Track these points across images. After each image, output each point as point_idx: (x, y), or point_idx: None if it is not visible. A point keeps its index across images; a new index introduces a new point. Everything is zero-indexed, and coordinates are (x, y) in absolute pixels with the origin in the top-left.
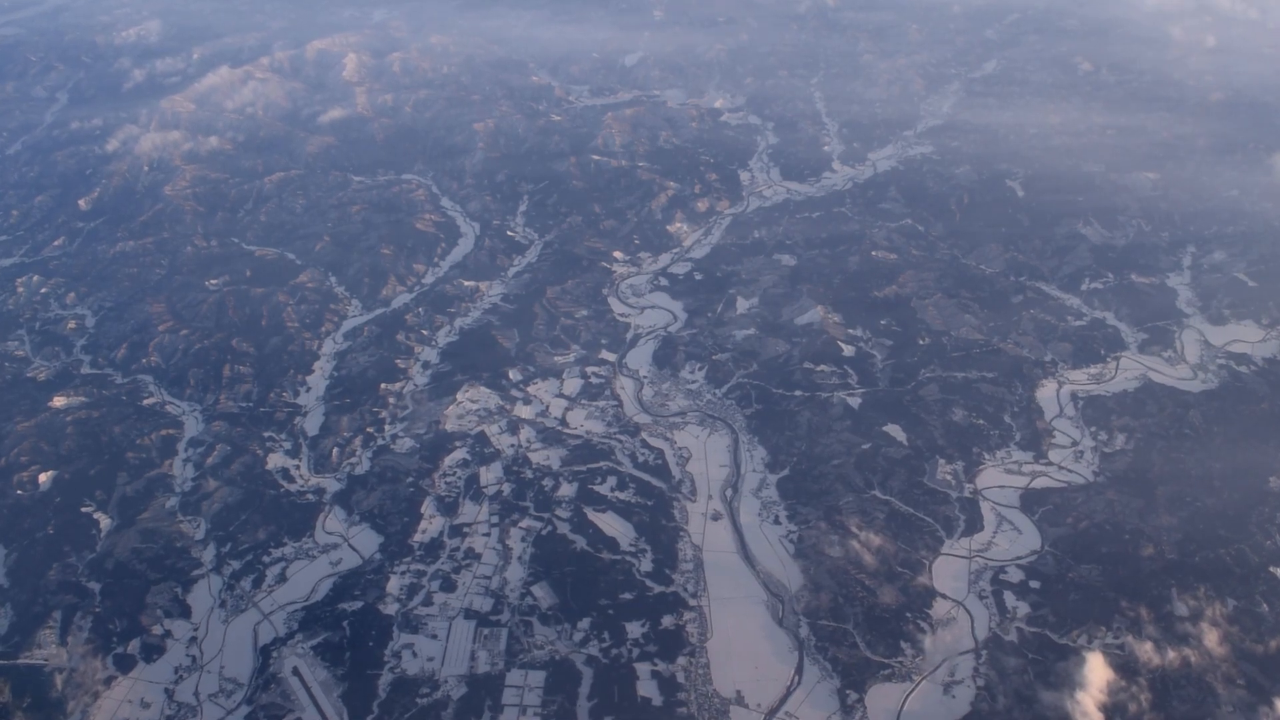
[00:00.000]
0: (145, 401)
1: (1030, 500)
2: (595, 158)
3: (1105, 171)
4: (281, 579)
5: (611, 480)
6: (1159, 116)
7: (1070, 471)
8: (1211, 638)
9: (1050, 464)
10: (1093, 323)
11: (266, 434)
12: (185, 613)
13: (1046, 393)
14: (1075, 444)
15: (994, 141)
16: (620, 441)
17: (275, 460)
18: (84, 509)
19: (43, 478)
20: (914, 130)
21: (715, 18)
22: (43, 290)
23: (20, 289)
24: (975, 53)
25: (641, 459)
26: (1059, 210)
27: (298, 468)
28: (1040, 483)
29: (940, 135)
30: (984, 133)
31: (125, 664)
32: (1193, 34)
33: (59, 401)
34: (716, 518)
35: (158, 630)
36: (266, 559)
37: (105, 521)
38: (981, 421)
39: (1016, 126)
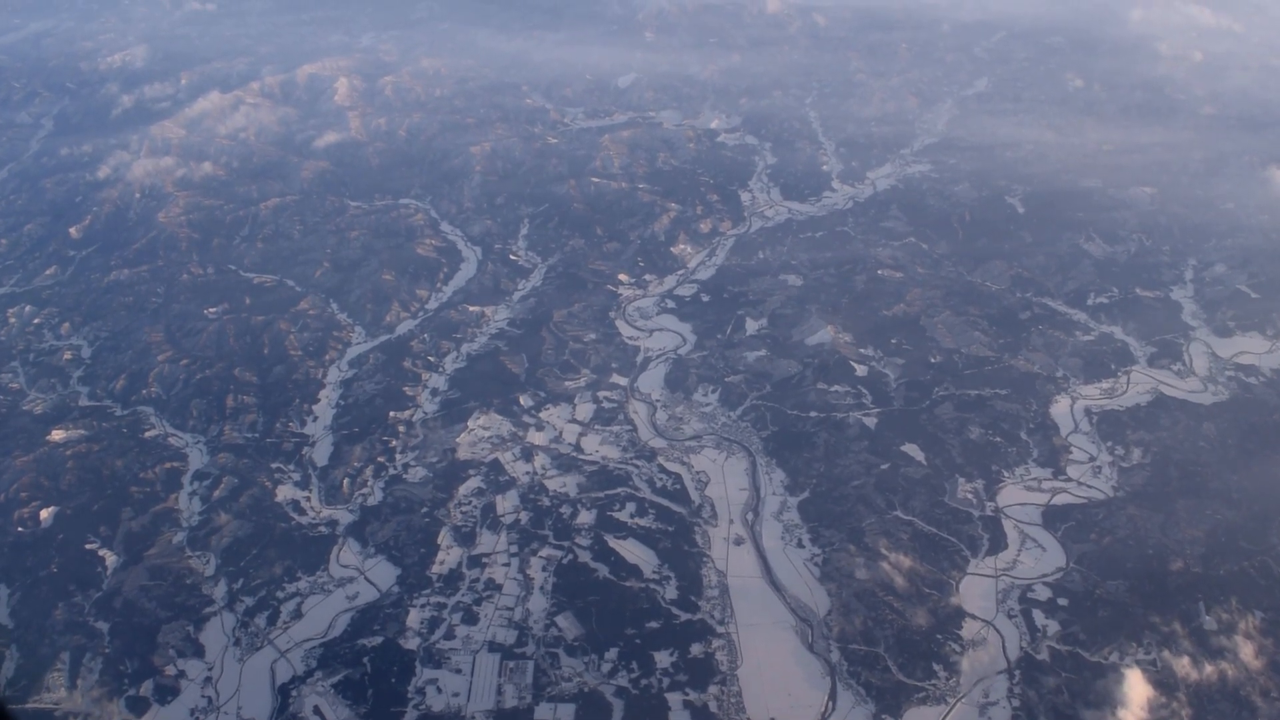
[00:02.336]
0: (147, 434)
1: (1052, 517)
2: (594, 180)
3: (1103, 187)
4: (297, 615)
5: (631, 506)
6: (1152, 131)
7: (1090, 487)
8: (1247, 651)
9: (1069, 480)
10: (1101, 337)
11: (274, 465)
12: (199, 652)
13: (1060, 408)
14: (1093, 459)
15: (991, 158)
16: (637, 466)
17: (285, 492)
18: (88, 546)
19: (44, 514)
20: (911, 148)
21: (706, 39)
22: (36, 320)
23: (12, 319)
24: (966, 70)
25: (660, 484)
26: (1060, 226)
27: (308, 499)
28: (1061, 499)
29: (937, 153)
30: (980, 150)
31: (139, 707)
32: (1179, 49)
33: (58, 435)
34: (739, 542)
35: (171, 671)
36: (281, 594)
37: (111, 558)
38: (998, 439)
39: (1012, 143)
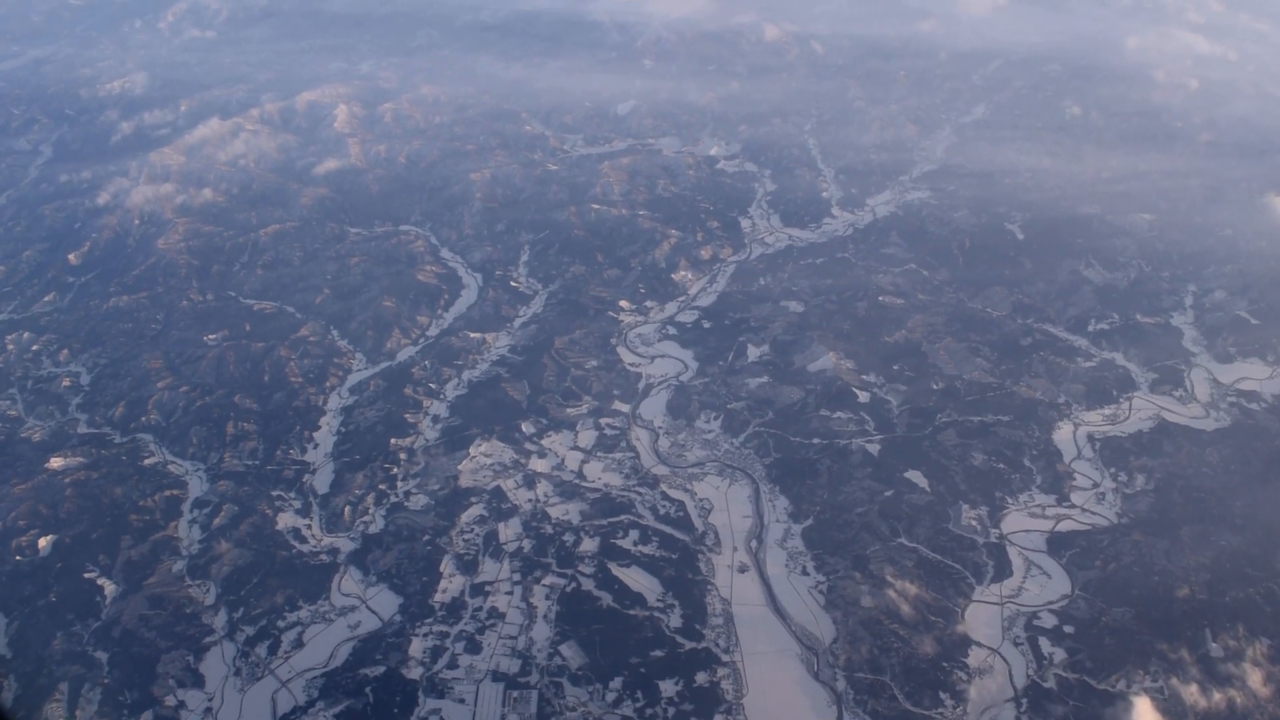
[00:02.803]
0: (146, 461)
1: (1057, 544)
2: (595, 206)
3: (1102, 213)
4: (298, 644)
5: (634, 534)
6: (1150, 158)
7: (1094, 514)
8: (1255, 678)
9: (1073, 507)
10: (1102, 364)
11: (275, 493)
12: (199, 682)
13: (1063, 435)
14: (1096, 486)
15: (990, 185)
16: (640, 494)
17: (285, 520)
18: (87, 574)
19: (42, 542)
20: (910, 175)
21: (705, 66)
22: (34, 347)
23: (10, 346)
24: (964, 98)
25: (663, 511)
26: (1060, 252)
27: (309, 527)
28: (1065, 526)
29: (936, 180)
30: (979, 177)
31: None
32: (1176, 77)
33: (56, 462)
34: (743, 570)
35: (171, 701)
36: (281, 623)
37: (110, 587)
38: (1002, 465)
39: (1011, 170)
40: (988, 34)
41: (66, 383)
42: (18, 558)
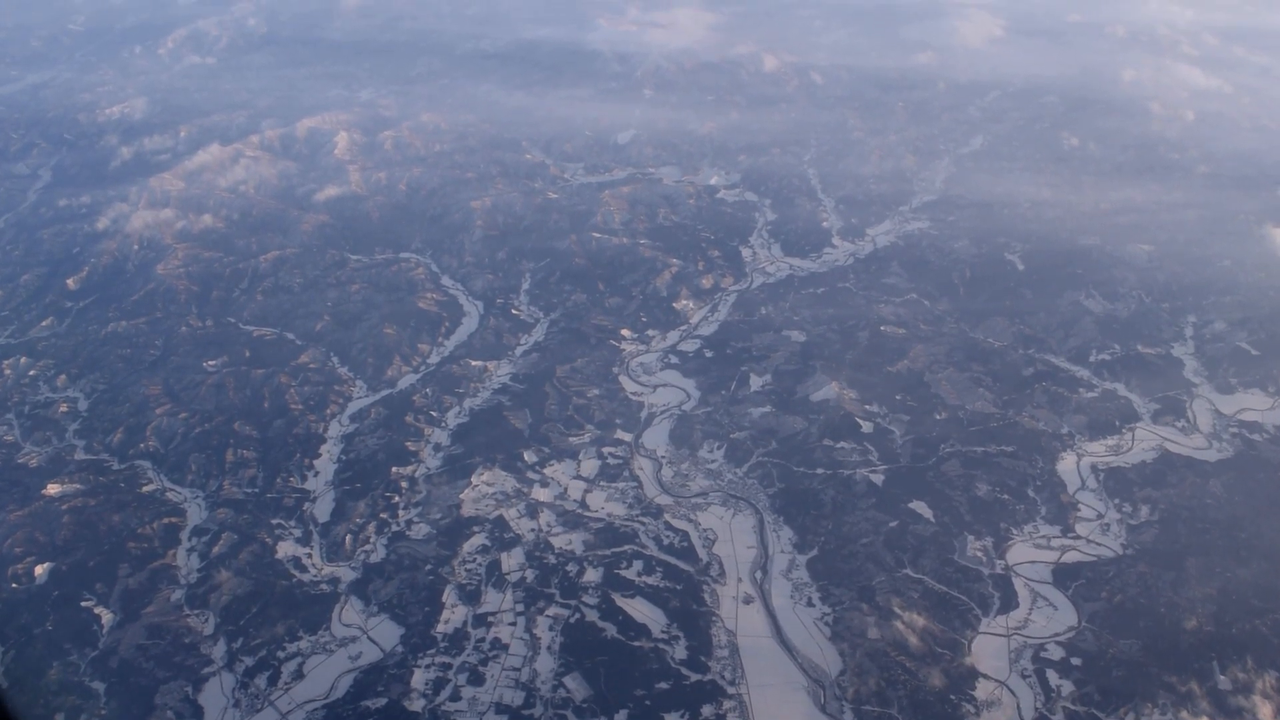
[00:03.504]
0: (144, 488)
1: (1062, 575)
2: (596, 235)
3: (1101, 244)
4: (298, 675)
5: (638, 564)
6: (1148, 189)
7: (1099, 545)
8: (1265, 711)
9: (1078, 538)
10: (1104, 394)
11: (275, 521)
12: (197, 714)
13: (1067, 465)
14: (1100, 516)
15: (989, 216)
16: (643, 524)
17: (285, 549)
18: (84, 603)
19: (39, 570)
20: (909, 205)
21: (705, 96)
22: (31, 372)
23: (7, 371)
24: (961, 129)
25: (666, 541)
26: (1060, 283)
27: (310, 556)
28: (1070, 557)
29: (936, 210)
30: (978, 207)
31: None
32: (1172, 109)
33: (53, 489)
34: (748, 601)
35: None
36: (281, 654)
37: (107, 616)
38: (1006, 496)
39: (1010, 201)
40: (984, 66)
41: (64, 408)
42: (14, 585)
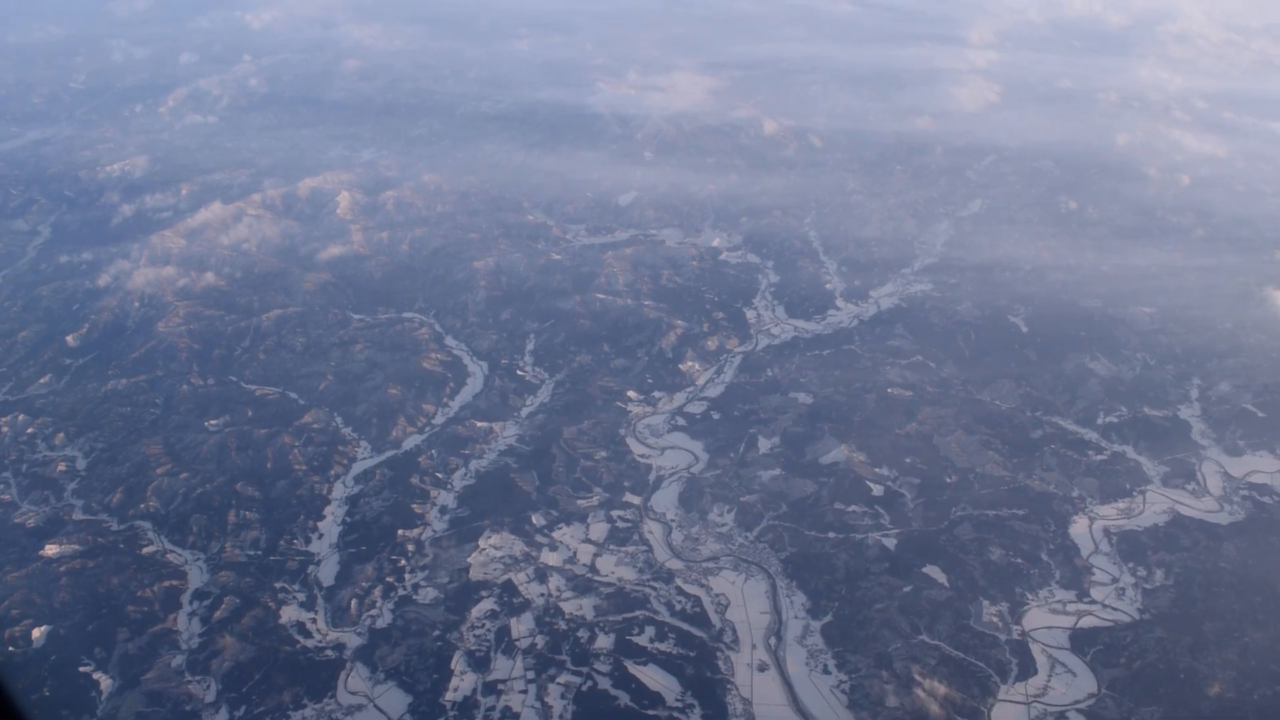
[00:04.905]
0: (144, 550)
1: (1080, 640)
2: (600, 296)
3: (1103, 306)
4: None
5: (650, 630)
6: (1147, 252)
7: (1115, 610)
8: None
9: (1094, 602)
10: (1114, 457)
11: (278, 585)
12: None
13: (1079, 529)
14: (1115, 581)
15: (991, 278)
16: (654, 589)
17: (289, 613)
18: (82, 668)
19: (36, 633)
20: (911, 268)
21: (705, 159)
22: (29, 430)
23: (4, 429)
24: (960, 192)
25: (679, 607)
26: (1064, 345)
27: (314, 621)
28: (1087, 622)
29: (938, 272)
30: (980, 270)
31: None
32: (1167, 172)
33: (51, 550)
34: (763, 668)
35: None
36: None
37: (106, 682)
38: (1020, 560)
39: (1011, 263)
40: (981, 131)
41: (62, 467)
42: (10, 649)
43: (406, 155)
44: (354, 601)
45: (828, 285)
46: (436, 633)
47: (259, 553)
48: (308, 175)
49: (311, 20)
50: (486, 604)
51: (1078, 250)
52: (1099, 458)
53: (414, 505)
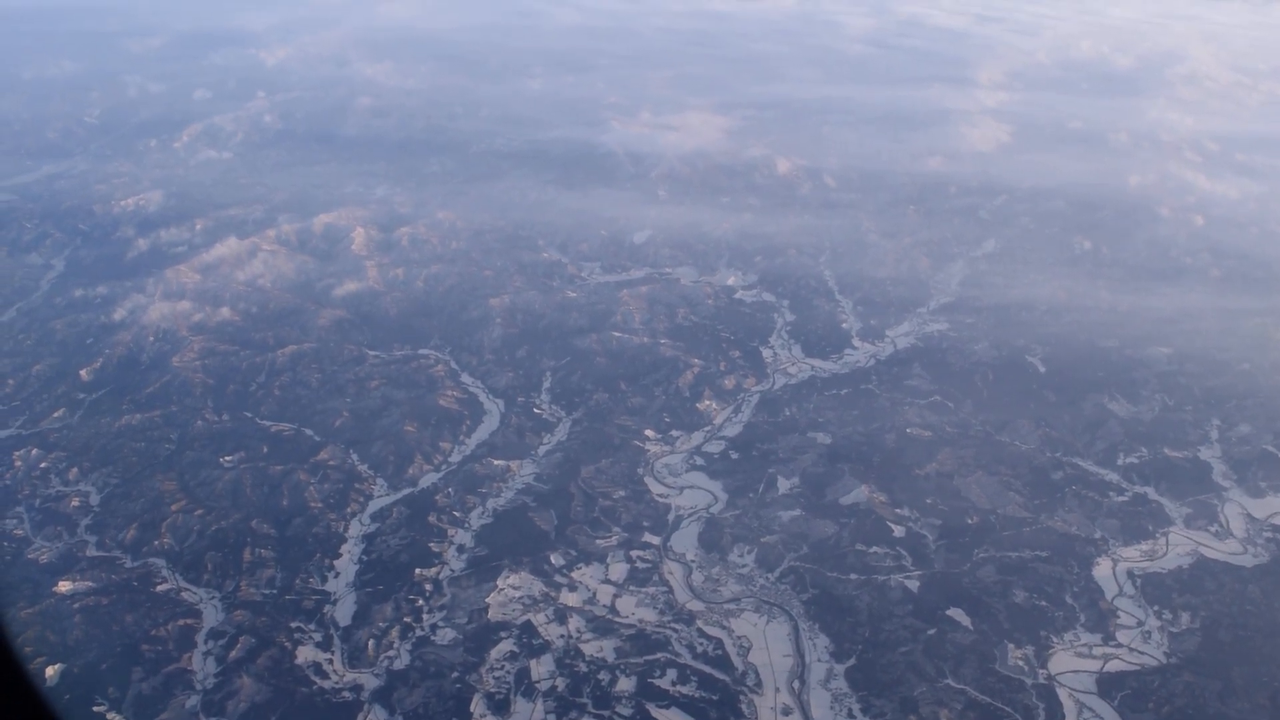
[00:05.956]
0: (159, 587)
1: (1107, 685)
2: (616, 334)
3: (1120, 346)
4: None
5: (672, 673)
6: (1162, 293)
7: (1141, 653)
8: None
9: (1120, 646)
10: (1135, 498)
11: (294, 624)
12: None
13: (1103, 571)
14: (1141, 624)
15: (1007, 318)
16: (675, 630)
17: (306, 654)
18: (96, 707)
19: (50, 672)
20: (927, 307)
21: (719, 198)
22: (42, 464)
23: (18, 463)
24: (974, 232)
25: (700, 649)
26: (1082, 386)
27: (331, 662)
28: (1113, 666)
29: (953, 312)
30: (996, 310)
31: None
32: (1180, 213)
33: (64, 587)
34: (787, 712)
35: None
36: None
37: None
38: (1044, 603)
39: (1026, 303)
40: (993, 170)
41: (75, 503)
42: None
43: (420, 192)
44: (371, 642)
45: (844, 324)
46: (455, 674)
47: (275, 591)
48: (322, 211)
49: (325, 58)
50: (506, 645)
51: (1093, 290)
52: (1120, 499)
53: (431, 544)
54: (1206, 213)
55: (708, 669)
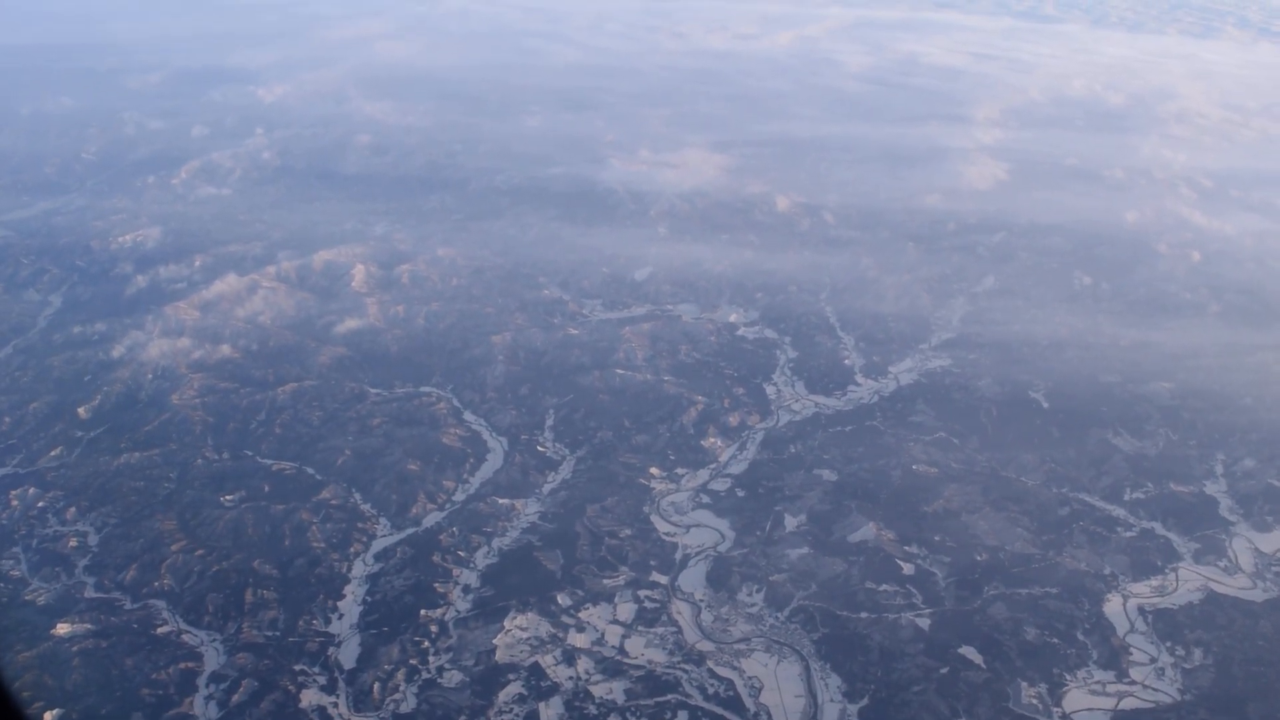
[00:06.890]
0: (159, 630)
1: None
2: (619, 371)
3: (1123, 382)
4: None
5: (683, 715)
6: (1163, 328)
7: (1156, 690)
8: None
9: (1134, 683)
10: (1143, 533)
11: (298, 667)
12: None
13: (1114, 607)
14: (1154, 660)
15: (1009, 354)
16: (686, 671)
17: (310, 697)
18: None
19: (48, 717)
20: (929, 344)
21: (719, 235)
22: (39, 504)
23: (15, 502)
24: (973, 269)
25: (711, 690)
26: (1086, 421)
27: (335, 706)
28: (1128, 703)
29: (955, 348)
30: (998, 346)
31: None
32: (1177, 248)
33: (62, 629)
34: None
35: None
36: None
37: None
38: (1055, 640)
39: (1028, 339)
40: (991, 207)
41: (73, 543)
42: None
43: (420, 229)
44: (377, 685)
45: (846, 361)
46: (463, 718)
47: (277, 633)
48: (322, 248)
49: (323, 95)
50: (514, 687)
51: (1094, 326)
52: (1128, 534)
53: (436, 584)
54: (1204, 248)
55: (720, 711)
